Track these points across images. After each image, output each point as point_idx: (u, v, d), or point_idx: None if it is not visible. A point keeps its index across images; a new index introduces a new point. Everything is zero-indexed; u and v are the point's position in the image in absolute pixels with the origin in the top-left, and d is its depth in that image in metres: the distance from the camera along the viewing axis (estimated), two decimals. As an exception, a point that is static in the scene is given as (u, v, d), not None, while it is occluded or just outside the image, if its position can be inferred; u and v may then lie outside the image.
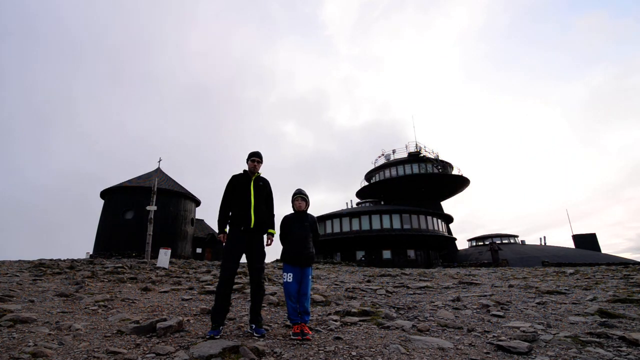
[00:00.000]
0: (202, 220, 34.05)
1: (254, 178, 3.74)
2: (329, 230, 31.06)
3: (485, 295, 5.64)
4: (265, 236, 3.71)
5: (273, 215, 3.82)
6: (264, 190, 3.76)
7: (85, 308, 4.64)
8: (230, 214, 3.66)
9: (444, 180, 35.37)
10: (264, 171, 3.92)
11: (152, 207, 14.16)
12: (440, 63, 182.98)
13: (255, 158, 3.77)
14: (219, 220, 3.66)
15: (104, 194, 26.78)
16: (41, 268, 9.27)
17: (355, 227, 29.74)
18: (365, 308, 4.41)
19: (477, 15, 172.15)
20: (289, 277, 3.49)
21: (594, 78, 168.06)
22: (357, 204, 38.13)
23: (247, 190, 3.64)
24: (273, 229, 3.76)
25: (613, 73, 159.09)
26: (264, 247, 3.67)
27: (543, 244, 35.52)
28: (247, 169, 3.82)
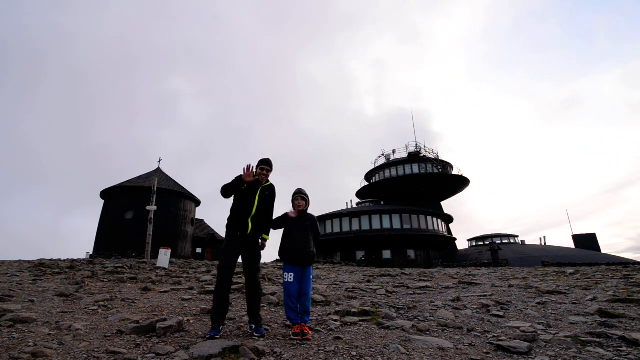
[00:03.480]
0: (202, 220, 34.04)
1: (260, 188, 3.70)
2: (329, 230, 31.05)
3: (485, 295, 5.64)
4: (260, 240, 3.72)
5: (271, 220, 3.80)
6: (268, 198, 3.75)
7: (85, 308, 4.64)
8: (229, 217, 3.67)
9: (444, 180, 35.36)
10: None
11: (152, 207, 14.15)
12: (441, 63, 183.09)
13: (264, 166, 3.72)
14: (228, 184, 3.62)
15: (104, 194, 26.79)
16: (41, 268, 9.27)
17: (355, 227, 29.72)
18: (365, 308, 4.41)
19: (480, 15, 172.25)
20: (289, 277, 3.49)
21: (594, 79, 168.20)
22: (357, 204, 38.13)
23: (252, 199, 3.62)
24: (268, 234, 3.76)
25: (615, 73, 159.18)
26: (259, 249, 3.67)
27: (543, 244, 35.52)
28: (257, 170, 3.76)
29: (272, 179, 3.87)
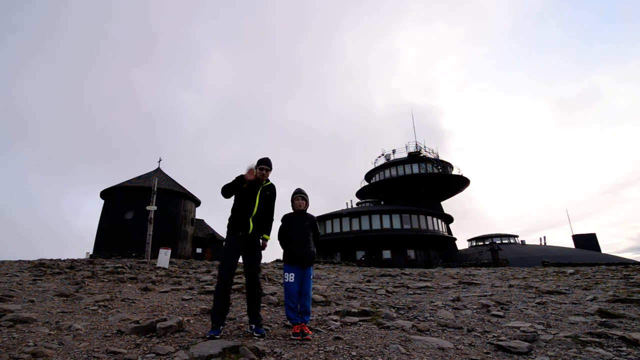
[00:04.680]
0: (202, 220, 34.04)
1: (261, 188, 3.71)
2: (329, 230, 31.04)
3: (485, 295, 5.64)
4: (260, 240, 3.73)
5: (272, 221, 3.81)
6: (269, 198, 3.75)
7: (85, 308, 4.64)
8: (230, 217, 3.67)
9: (444, 180, 35.37)
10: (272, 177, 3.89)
11: (152, 207, 14.15)
12: (441, 63, 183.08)
13: (264, 166, 3.73)
14: (229, 184, 3.64)
15: (104, 194, 26.79)
16: (41, 268, 9.27)
17: (355, 227, 29.73)
18: (365, 308, 4.41)
19: (480, 16, 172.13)
20: (290, 277, 3.49)
21: (594, 79, 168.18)
22: (357, 204, 38.13)
23: (252, 199, 3.63)
24: (268, 234, 3.76)
25: (613, 73, 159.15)
26: (260, 249, 3.68)
27: (543, 244, 35.52)
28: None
29: (276, 171, 3.89)
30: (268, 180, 3.79)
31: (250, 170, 3.57)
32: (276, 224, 3.89)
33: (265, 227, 3.72)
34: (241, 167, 3.78)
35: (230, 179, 3.75)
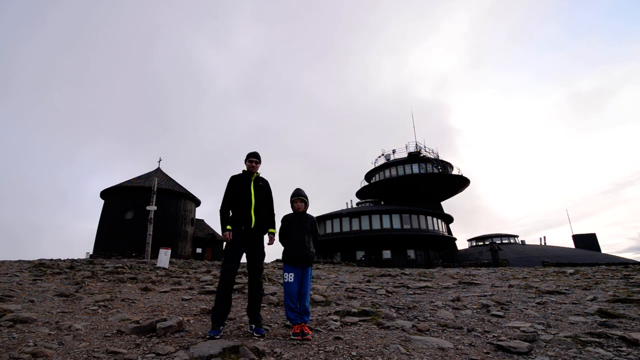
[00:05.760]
0: (202, 220, 34.04)
1: (253, 178, 3.76)
2: (329, 230, 31.04)
3: (485, 295, 5.64)
4: (266, 236, 3.73)
5: (273, 215, 3.84)
6: (264, 190, 3.78)
7: (85, 308, 4.64)
8: (231, 214, 3.68)
9: (444, 180, 35.36)
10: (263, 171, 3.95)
11: (152, 207, 14.16)
12: (441, 63, 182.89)
13: (253, 159, 3.81)
14: (221, 220, 3.65)
15: (104, 194, 26.79)
16: (41, 268, 9.27)
17: (355, 227, 29.73)
18: (365, 308, 4.41)
19: (480, 15, 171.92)
20: (290, 278, 3.50)
21: (594, 79, 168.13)
22: (357, 204, 38.14)
23: (247, 190, 3.66)
24: (274, 228, 3.77)
25: (613, 74, 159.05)
26: (263, 247, 3.69)
27: (543, 244, 35.53)
28: (245, 169, 3.86)
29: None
30: (258, 173, 3.86)
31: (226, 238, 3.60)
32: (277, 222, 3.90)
33: (268, 221, 3.74)
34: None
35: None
